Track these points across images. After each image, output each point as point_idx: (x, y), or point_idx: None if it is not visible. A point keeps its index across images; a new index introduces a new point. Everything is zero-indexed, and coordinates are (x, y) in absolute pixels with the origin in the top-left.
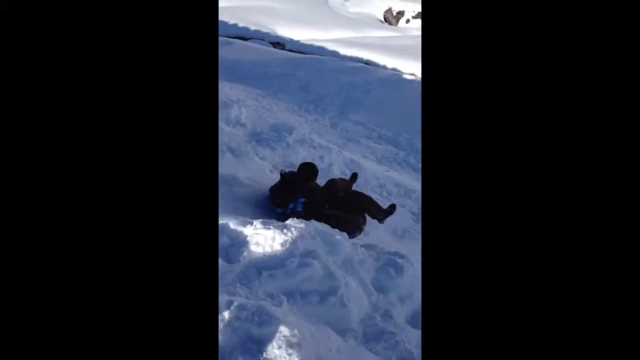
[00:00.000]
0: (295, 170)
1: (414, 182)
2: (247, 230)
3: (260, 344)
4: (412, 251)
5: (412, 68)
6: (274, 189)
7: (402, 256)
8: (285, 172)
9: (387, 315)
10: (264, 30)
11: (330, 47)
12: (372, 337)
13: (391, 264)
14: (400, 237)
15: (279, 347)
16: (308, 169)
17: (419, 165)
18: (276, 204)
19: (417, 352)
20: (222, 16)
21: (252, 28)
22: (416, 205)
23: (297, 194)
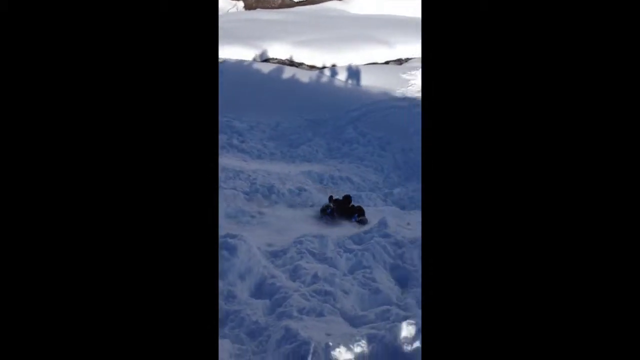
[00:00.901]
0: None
1: (241, 163)
2: None
3: None
4: (244, 229)
5: None
6: (329, 210)
7: (233, 236)
8: (334, 197)
9: (230, 297)
10: None
11: None
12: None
13: (224, 246)
14: (234, 218)
15: None
16: (349, 197)
17: (243, 146)
18: (337, 216)
19: (263, 320)
20: None
21: None
22: (246, 184)
23: (351, 213)
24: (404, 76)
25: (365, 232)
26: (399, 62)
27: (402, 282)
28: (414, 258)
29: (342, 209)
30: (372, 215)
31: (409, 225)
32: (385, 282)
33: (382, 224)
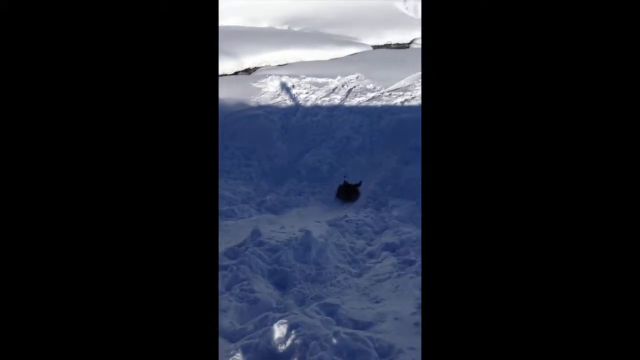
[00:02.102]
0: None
1: None
2: None
3: None
4: None
5: None
6: (339, 193)
7: None
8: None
9: None
10: None
11: None
12: None
13: None
14: None
15: None
16: (347, 185)
17: None
18: (344, 199)
19: None
20: None
21: None
22: None
23: (352, 194)
24: (255, 85)
25: (239, 245)
26: (248, 71)
27: (281, 285)
28: (290, 259)
29: (348, 192)
30: (247, 226)
31: (282, 228)
32: (264, 289)
33: (255, 232)
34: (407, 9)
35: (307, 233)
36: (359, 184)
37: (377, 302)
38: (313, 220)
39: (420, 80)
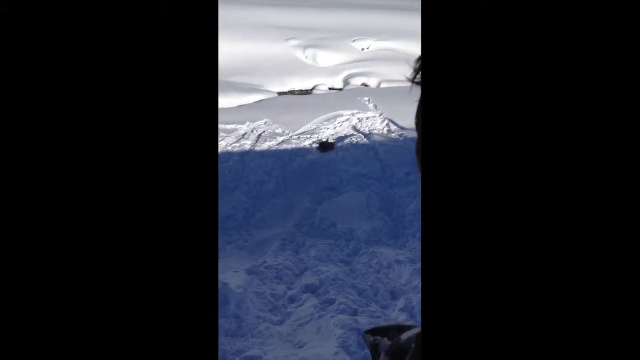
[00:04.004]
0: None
1: None
2: None
3: None
4: None
5: None
6: (320, 146)
7: None
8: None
9: None
10: None
11: None
12: None
13: None
14: None
15: None
16: (327, 141)
17: None
18: (322, 150)
19: None
20: None
21: None
22: None
23: (329, 147)
24: None
25: None
26: None
27: None
28: None
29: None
30: None
31: None
32: None
33: None
34: (306, 57)
35: (224, 285)
36: (335, 142)
37: (300, 347)
38: (230, 271)
39: (325, 123)
